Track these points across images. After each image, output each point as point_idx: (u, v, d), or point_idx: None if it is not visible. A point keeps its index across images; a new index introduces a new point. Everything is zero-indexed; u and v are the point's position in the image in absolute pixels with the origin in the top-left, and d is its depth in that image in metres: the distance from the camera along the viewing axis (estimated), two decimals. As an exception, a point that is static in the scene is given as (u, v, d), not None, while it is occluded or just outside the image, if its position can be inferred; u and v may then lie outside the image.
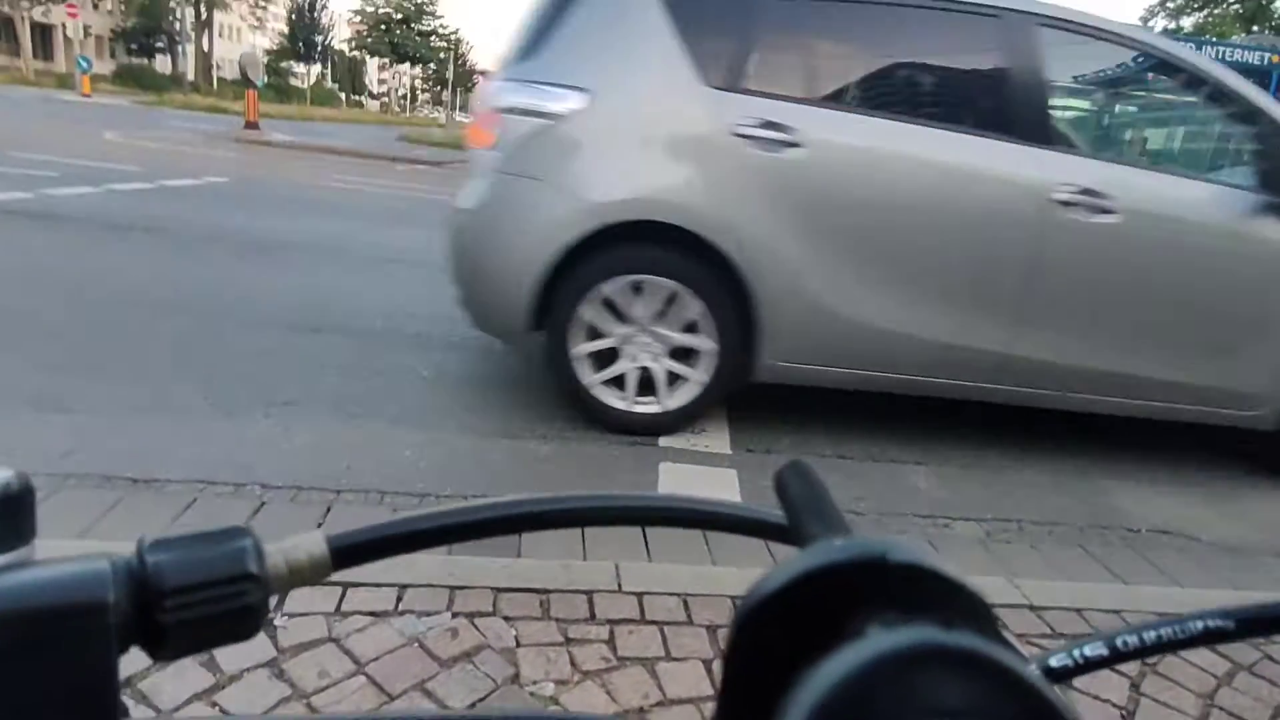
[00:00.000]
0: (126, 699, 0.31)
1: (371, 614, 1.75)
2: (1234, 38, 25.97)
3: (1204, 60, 3.23)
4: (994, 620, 0.23)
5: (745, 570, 2.06)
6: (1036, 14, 2.97)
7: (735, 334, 2.93)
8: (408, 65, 63.10)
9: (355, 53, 67.93)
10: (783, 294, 2.88)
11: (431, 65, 64.91)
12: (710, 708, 0.30)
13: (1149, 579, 2.38)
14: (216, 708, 1.45)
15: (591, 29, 2.87)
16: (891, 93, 3.12)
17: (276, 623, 1.67)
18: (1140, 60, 3.32)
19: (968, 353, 3.01)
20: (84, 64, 26.58)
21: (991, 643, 0.20)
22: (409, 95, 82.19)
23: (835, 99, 3.06)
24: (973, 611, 0.23)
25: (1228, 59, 12.27)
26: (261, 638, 1.55)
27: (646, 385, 3.00)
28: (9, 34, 43.42)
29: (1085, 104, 4.51)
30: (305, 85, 59.27)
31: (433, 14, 60.70)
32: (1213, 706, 1.79)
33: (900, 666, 0.19)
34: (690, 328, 2.94)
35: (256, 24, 52.37)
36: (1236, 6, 30.25)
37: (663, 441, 3.02)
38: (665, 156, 2.83)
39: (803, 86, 3.06)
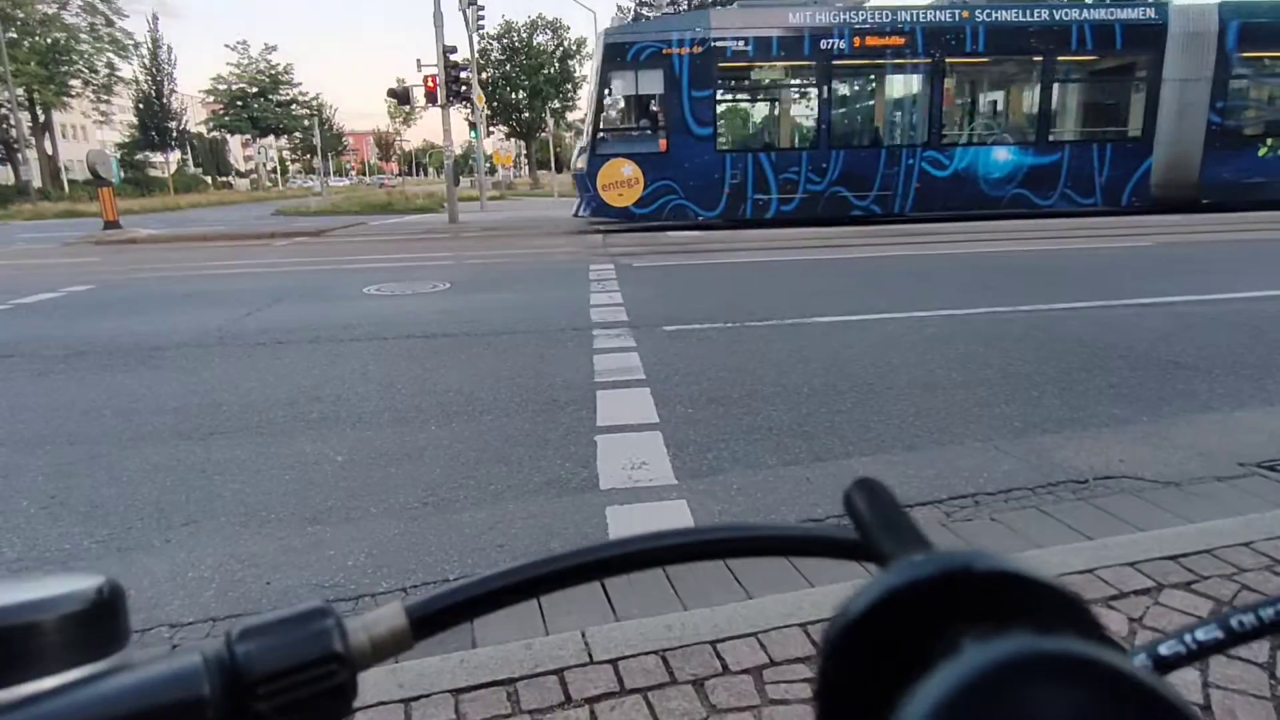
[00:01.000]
0: None
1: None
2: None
3: None
4: (1092, 618, 0.23)
5: (719, 610, 1.93)
6: None
7: None
8: (272, 138, 61.14)
9: (215, 133, 65.39)
10: None
11: (297, 134, 63.11)
12: None
13: (1111, 529, 2.38)
14: None
15: None
16: None
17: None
18: None
19: None
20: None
21: (1093, 643, 0.20)
22: (279, 168, 79.70)
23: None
24: (1068, 612, 0.23)
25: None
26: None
27: None
28: None
29: None
30: (166, 174, 56.59)
31: (289, 83, 59.11)
32: None
33: (1003, 679, 0.19)
34: None
35: (102, 119, 49.57)
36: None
37: (604, 485, 2.87)
38: None
39: None
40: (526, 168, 60.08)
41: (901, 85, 13.36)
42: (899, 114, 13.57)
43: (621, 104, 13.28)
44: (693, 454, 3.15)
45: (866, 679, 0.23)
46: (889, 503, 0.31)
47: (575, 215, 13.81)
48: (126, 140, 57.87)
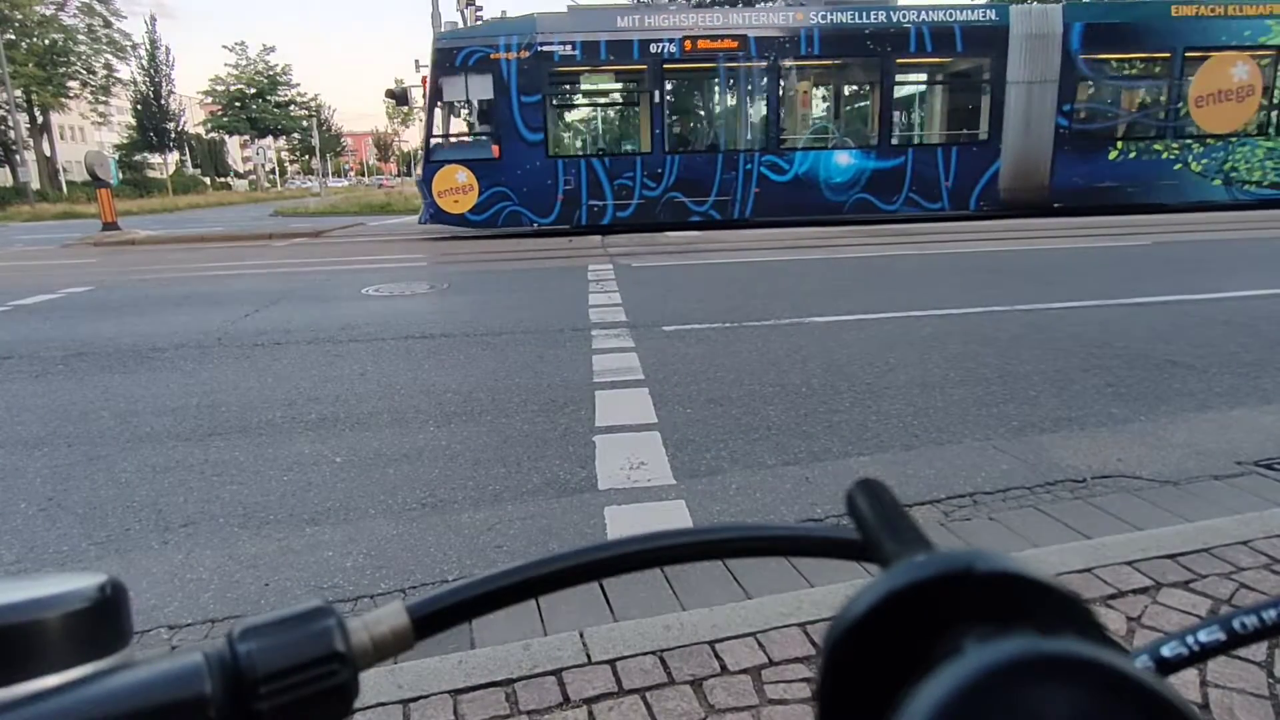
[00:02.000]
0: None
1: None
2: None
3: None
4: (1093, 620, 0.22)
5: (717, 610, 1.94)
6: None
7: None
8: (270, 139, 61.06)
9: (213, 134, 65.28)
10: None
11: (295, 135, 63.03)
12: None
13: (1109, 528, 2.38)
14: None
15: None
16: None
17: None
18: None
19: None
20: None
21: (1094, 645, 0.20)
22: (277, 169, 79.60)
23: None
24: (1069, 614, 0.23)
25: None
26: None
27: None
28: None
29: None
30: (164, 175, 56.47)
31: (287, 83, 59.04)
32: None
33: (1004, 681, 0.19)
34: None
35: (100, 120, 49.44)
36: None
37: (602, 485, 2.87)
38: None
39: None
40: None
41: (737, 89, 12.99)
42: (735, 118, 13.24)
43: (455, 110, 13.11)
44: (691, 454, 3.15)
45: (867, 679, 0.23)
46: (890, 503, 0.31)
47: (420, 223, 13.57)
48: (125, 141, 57.82)
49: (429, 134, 12.62)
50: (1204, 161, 13.43)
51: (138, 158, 56.44)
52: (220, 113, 57.76)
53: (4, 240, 16.66)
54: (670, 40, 12.39)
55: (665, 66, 12.52)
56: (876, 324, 5.44)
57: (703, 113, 14.43)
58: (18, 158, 34.16)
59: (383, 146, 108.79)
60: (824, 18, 12.56)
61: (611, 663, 1.77)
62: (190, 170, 66.07)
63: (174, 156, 60.43)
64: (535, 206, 12.81)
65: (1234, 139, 13.39)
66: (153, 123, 54.13)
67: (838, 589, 2.01)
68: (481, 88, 12.25)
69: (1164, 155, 13.36)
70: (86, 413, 3.94)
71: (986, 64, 13.04)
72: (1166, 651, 0.35)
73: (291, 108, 60.09)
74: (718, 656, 1.77)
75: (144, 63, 52.83)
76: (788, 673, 1.70)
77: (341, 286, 8.13)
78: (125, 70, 51.59)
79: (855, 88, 14.57)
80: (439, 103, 12.39)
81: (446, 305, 6.86)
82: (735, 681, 1.68)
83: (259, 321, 6.25)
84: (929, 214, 13.36)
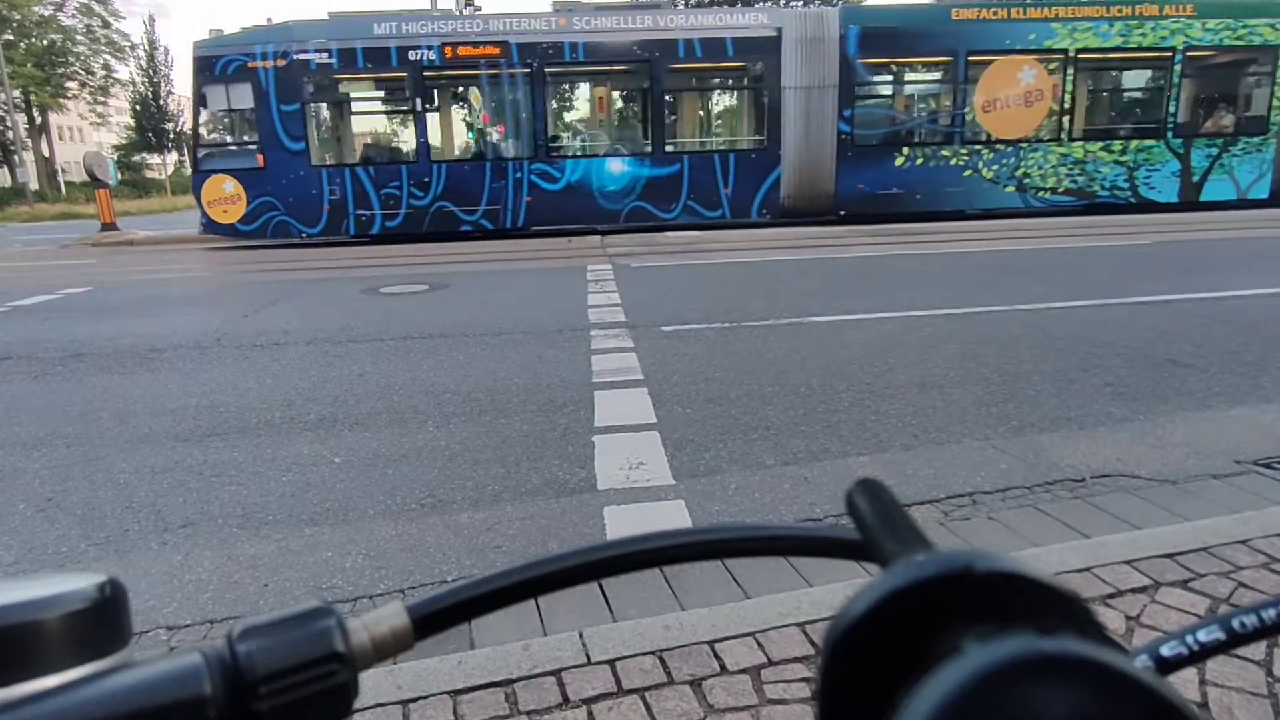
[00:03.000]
0: None
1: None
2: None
3: None
4: (1093, 619, 0.23)
5: (717, 610, 1.94)
6: None
7: None
8: (269, 139, 60.92)
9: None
10: None
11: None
12: None
13: (1108, 528, 2.38)
14: None
15: None
16: None
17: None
18: None
19: None
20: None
21: (1093, 644, 0.20)
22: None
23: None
24: (1069, 613, 0.23)
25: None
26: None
27: None
28: None
29: None
30: (163, 176, 56.43)
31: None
32: None
33: (1004, 680, 0.19)
34: None
35: (99, 121, 49.38)
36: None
37: (601, 485, 2.87)
38: None
39: None
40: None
41: (502, 97, 12.69)
42: (502, 126, 12.95)
43: (219, 119, 12.94)
44: (690, 454, 3.15)
45: (867, 679, 0.23)
46: (890, 503, 0.31)
47: (200, 233, 13.33)
48: (123, 142, 57.70)
49: (195, 143, 12.55)
50: (995, 168, 13.05)
51: (136, 158, 56.33)
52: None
53: (3, 241, 16.65)
54: (429, 47, 12.12)
55: (426, 74, 12.25)
56: (876, 324, 5.44)
57: (468, 121, 14.09)
58: (16, 158, 34.12)
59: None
60: (588, 23, 12.28)
61: (611, 663, 1.78)
62: (189, 171, 65.99)
63: (173, 157, 60.30)
64: (302, 216, 12.56)
65: (1025, 144, 12.97)
66: (151, 123, 54.03)
67: (837, 589, 2.01)
68: (241, 96, 12.07)
69: (953, 161, 13.02)
70: (85, 413, 3.94)
71: (760, 69, 12.63)
72: (1166, 651, 0.35)
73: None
74: (717, 656, 1.77)
75: (142, 63, 52.74)
76: (787, 672, 1.71)
77: (341, 286, 8.12)
78: (124, 71, 51.54)
79: (626, 95, 14.27)
80: (201, 111, 12.30)
81: (446, 305, 6.86)
82: (734, 681, 1.69)
83: (258, 322, 6.25)
84: (711, 222, 13.05)
